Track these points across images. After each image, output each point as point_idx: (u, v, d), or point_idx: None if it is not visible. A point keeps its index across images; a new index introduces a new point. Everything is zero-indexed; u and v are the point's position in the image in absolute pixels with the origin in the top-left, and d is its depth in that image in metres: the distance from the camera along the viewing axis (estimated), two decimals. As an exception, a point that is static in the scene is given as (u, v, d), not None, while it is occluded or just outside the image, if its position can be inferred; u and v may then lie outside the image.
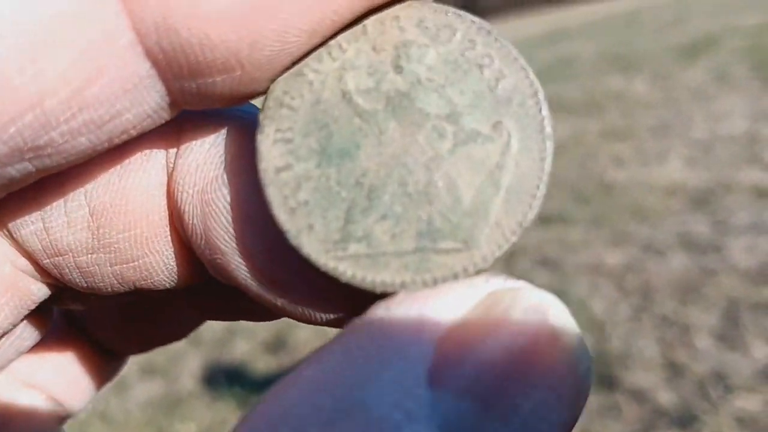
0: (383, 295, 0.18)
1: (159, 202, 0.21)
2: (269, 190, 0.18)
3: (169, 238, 0.21)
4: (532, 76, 0.18)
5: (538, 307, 0.16)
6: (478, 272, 0.18)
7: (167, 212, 0.21)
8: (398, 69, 0.18)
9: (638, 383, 1.49)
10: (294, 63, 0.18)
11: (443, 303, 0.17)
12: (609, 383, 1.52)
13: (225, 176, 0.20)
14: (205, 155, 0.20)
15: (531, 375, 0.15)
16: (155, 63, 0.16)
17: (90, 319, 0.29)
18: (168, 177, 0.21)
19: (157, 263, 0.21)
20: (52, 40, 0.15)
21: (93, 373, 0.30)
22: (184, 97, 0.18)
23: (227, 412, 1.83)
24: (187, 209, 0.20)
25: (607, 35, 6.66)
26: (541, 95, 0.18)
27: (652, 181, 2.57)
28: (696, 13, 6.96)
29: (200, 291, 0.26)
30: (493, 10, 16.95)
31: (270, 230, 0.19)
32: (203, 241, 0.20)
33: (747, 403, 1.35)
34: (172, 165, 0.20)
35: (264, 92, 0.19)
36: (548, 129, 0.18)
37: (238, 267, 0.20)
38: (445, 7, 0.18)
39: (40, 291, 0.22)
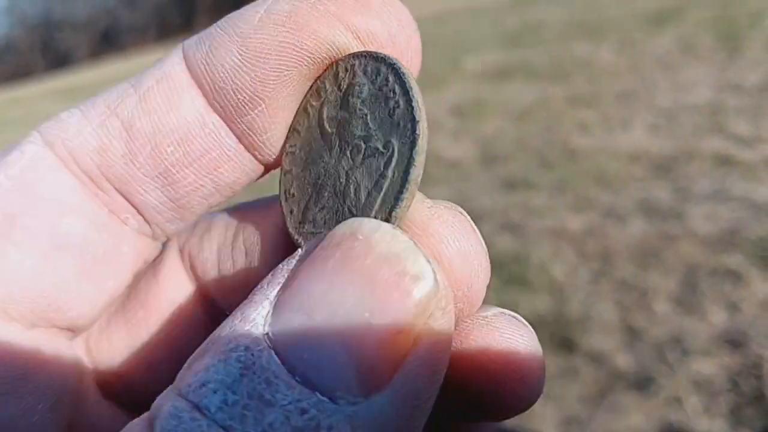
0: None
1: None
2: (280, 185, 0.27)
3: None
4: (415, 104, 0.23)
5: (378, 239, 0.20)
6: None
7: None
8: (345, 102, 0.25)
9: (596, 346, 1.49)
10: (298, 101, 0.26)
11: (319, 241, 0.21)
12: (568, 346, 1.52)
13: None
14: None
15: (348, 276, 0.19)
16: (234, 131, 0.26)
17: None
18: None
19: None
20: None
21: None
22: (246, 139, 0.26)
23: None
24: None
25: (574, 2, 6.62)
26: (417, 121, 0.22)
27: (615, 147, 2.57)
28: (663, -17, 6.96)
29: None
30: (462, -26, 16.74)
31: None
32: None
33: (703, 366, 1.37)
34: None
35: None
36: (416, 147, 0.22)
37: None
38: (383, 55, 0.24)
39: (153, 251, 0.30)
